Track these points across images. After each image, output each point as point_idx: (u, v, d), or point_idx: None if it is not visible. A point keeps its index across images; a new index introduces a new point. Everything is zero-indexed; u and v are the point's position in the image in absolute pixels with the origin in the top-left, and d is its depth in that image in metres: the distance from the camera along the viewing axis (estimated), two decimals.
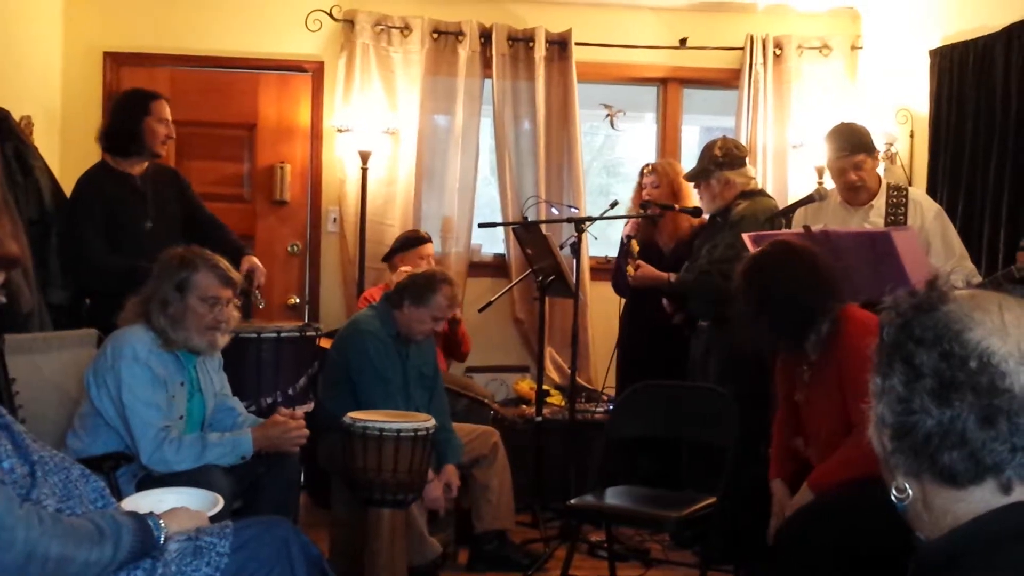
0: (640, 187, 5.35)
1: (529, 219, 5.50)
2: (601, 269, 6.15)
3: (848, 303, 3.36)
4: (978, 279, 4.21)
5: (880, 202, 4.37)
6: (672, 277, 4.78)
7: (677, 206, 5.08)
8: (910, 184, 5.47)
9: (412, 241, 5.52)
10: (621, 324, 5.44)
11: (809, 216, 4.51)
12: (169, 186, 4.67)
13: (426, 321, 4.30)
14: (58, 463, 2.39)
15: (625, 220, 5.35)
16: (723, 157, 4.77)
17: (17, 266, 2.45)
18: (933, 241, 4.26)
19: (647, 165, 5.38)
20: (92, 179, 4.55)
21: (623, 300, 5.39)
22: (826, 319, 3.30)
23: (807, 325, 3.32)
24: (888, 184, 4.45)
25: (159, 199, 4.59)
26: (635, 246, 5.11)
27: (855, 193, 4.39)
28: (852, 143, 4.35)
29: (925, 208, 4.33)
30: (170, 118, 4.59)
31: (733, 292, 3.54)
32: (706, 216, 4.97)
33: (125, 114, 4.55)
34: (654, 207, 5.10)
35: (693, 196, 5.24)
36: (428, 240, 5.56)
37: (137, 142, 4.50)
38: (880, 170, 4.71)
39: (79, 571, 2.13)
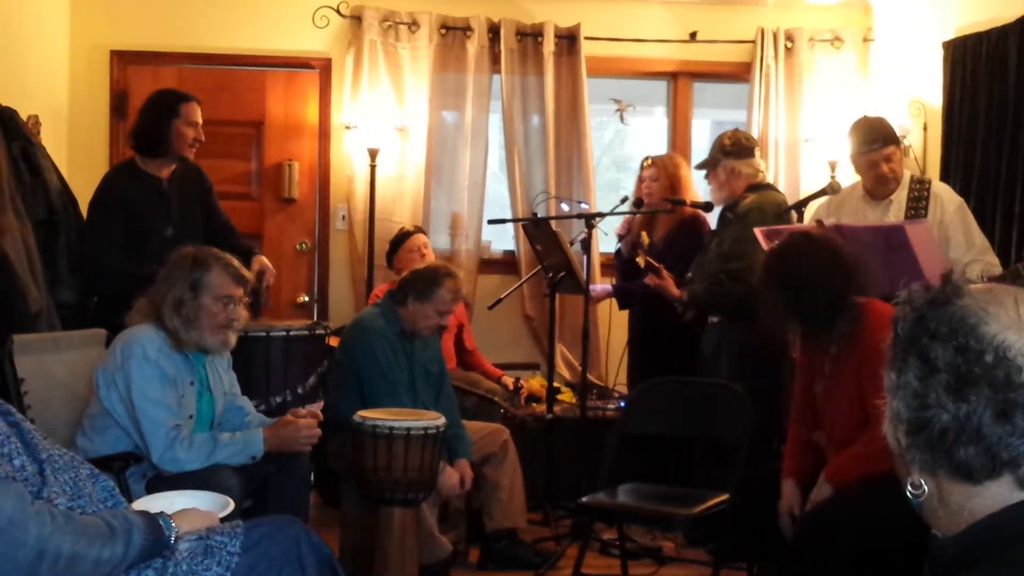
0: (640, 181, 5.34)
1: (539, 215, 5.48)
2: (612, 265, 6.12)
3: (871, 296, 3.35)
4: (999, 271, 4.17)
5: (901, 196, 4.34)
6: (683, 295, 4.76)
7: (688, 200, 5.08)
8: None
9: (400, 239, 5.54)
10: (631, 320, 5.43)
11: (832, 209, 4.50)
12: (194, 190, 4.63)
13: (431, 316, 4.29)
14: (67, 462, 2.40)
15: (620, 218, 5.36)
16: (731, 146, 4.79)
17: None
18: (953, 234, 4.23)
19: (647, 159, 5.37)
20: (117, 179, 4.52)
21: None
22: (847, 311, 3.28)
23: (828, 315, 3.31)
24: (912, 177, 4.42)
25: (183, 205, 4.55)
26: (645, 237, 5.11)
27: (885, 185, 4.36)
28: (883, 135, 4.34)
29: (946, 201, 4.30)
30: (200, 121, 4.52)
31: (755, 283, 3.53)
32: (717, 208, 4.96)
33: (154, 115, 4.49)
34: (665, 203, 5.10)
35: (692, 190, 5.25)
36: (414, 232, 5.55)
37: (164, 144, 4.45)
38: None
39: (90, 569, 2.13)
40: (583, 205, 5.94)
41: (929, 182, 4.42)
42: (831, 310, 3.31)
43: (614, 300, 5.66)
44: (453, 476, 4.18)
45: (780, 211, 4.62)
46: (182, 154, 4.51)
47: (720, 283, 4.61)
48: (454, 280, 4.32)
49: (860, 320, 3.28)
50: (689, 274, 4.84)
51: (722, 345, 4.70)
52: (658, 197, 5.19)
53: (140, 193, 4.45)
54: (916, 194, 4.32)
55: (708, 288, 4.67)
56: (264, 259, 4.60)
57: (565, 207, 5.99)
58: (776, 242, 3.53)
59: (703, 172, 4.99)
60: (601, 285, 5.64)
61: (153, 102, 4.58)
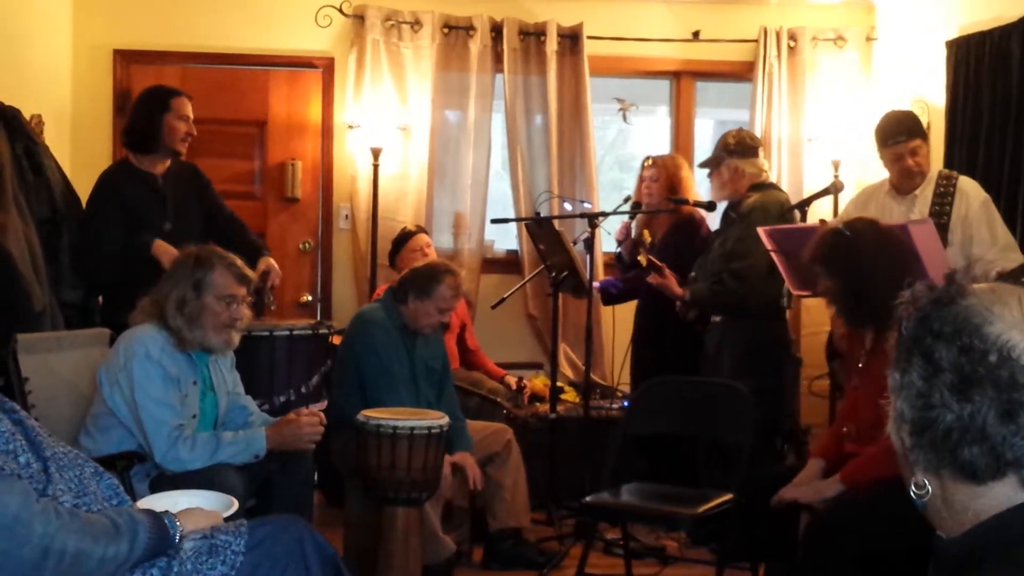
0: (641, 180, 5.34)
1: (541, 214, 5.48)
2: (613, 266, 6.12)
3: None
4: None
5: (927, 191, 4.33)
6: (686, 294, 4.76)
7: (691, 200, 5.08)
8: None
9: (402, 239, 5.53)
10: (636, 319, 5.43)
11: (859, 205, 4.50)
12: (190, 185, 4.65)
13: (432, 313, 4.28)
14: (72, 459, 2.40)
15: (621, 219, 5.36)
16: (735, 145, 4.79)
17: None
18: (977, 230, 4.22)
19: (647, 159, 5.37)
20: (112, 177, 4.54)
21: (638, 298, 5.39)
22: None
23: (881, 311, 3.31)
24: (940, 172, 4.41)
25: (180, 200, 4.57)
26: (647, 236, 5.11)
27: (910, 179, 4.35)
28: (908, 128, 4.34)
29: (971, 197, 4.28)
30: (191, 115, 4.55)
31: (808, 262, 3.54)
32: (721, 207, 4.96)
33: (145, 110, 4.53)
34: (668, 203, 5.11)
35: (692, 190, 5.25)
36: (416, 232, 5.55)
37: (156, 139, 4.47)
38: None
39: (95, 567, 2.13)
40: (586, 204, 5.94)
41: (956, 177, 4.39)
42: (879, 306, 3.30)
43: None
44: (468, 458, 4.23)
45: (783, 210, 4.63)
46: (175, 148, 4.52)
47: (723, 282, 4.61)
48: (454, 277, 4.31)
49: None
50: (692, 273, 4.84)
51: (724, 344, 4.69)
52: (658, 197, 5.20)
53: (136, 189, 4.47)
54: (942, 189, 4.30)
55: (711, 287, 4.66)
56: (271, 260, 4.60)
57: (568, 206, 5.98)
58: (840, 226, 3.52)
59: (706, 171, 4.99)
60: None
61: (144, 98, 4.62)
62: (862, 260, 3.36)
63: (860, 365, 3.44)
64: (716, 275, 4.65)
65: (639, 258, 4.96)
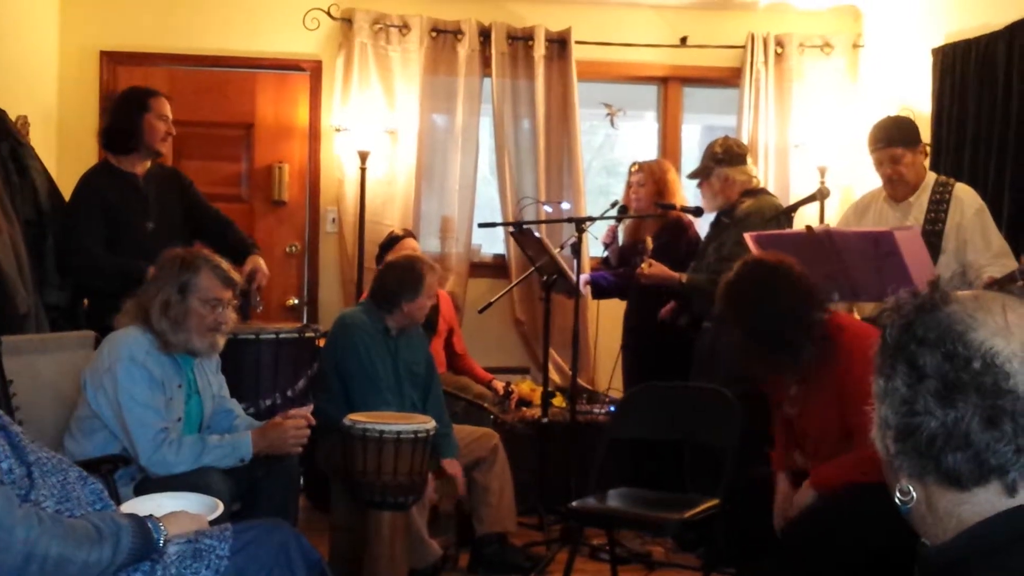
0: (629, 186, 5.35)
1: (524, 220, 5.47)
2: (602, 269, 6.13)
3: (834, 311, 3.34)
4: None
5: (923, 198, 4.31)
6: (684, 278, 4.76)
7: (679, 205, 5.08)
8: None
9: (390, 243, 5.51)
10: (625, 324, 5.43)
11: (858, 211, 4.50)
12: (171, 186, 4.64)
13: (425, 305, 4.42)
14: (55, 464, 2.39)
15: (609, 223, 5.36)
16: (723, 154, 4.78)
17: None
18: (971, 237, 4.21)
19: (634, 164, 5.38)
20: (93, 178, 4.52)
21: (627, 301, 5.39)
22: (813, 333, 3.25)
23: (794, 345, 3.27)
24: (936, 179, 4.39)
25: (161, 199, 4.56)
26: (649, 243, 5.11)
27: (894, 187, 4.36)
28: (888, 136, 4.30)
29: (966, 204, 4.26)
30: (170, 115, 4.55)
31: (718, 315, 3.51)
32: (711, 215, 4.96)
33: (124, 111, 4.51)
34: (655, 208, 5.11)
35: (680, 195, 5.26)
36: (404, 236, 5.54)
37: (136, 139, 4.46)
38: None
39: (78, 572, 2.13)
40: (564, 205, 5.94)
41: (953, 184, 4.35)
42: (791, 344, 3.25)
43: (610, 305, 5.65)
44: (455, 466, 4.26)
45: (777, 214, 4.63)
46: (155, 148, 4.51)
47: (723, 272, 4.60)
48: (429, 264, 4.42)
49: (833, 337, 3.24)
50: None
51: (716, 349, 4.68)
52: (647, 202, 5.21)
53: (118, 189, 4.45)
54: (938, 196, 4.28)
55: (711, 277, 4.65)
56: (259, 259, 4.58)
57: (548, 209, 5.99)
58: (730, 274, 3.49)
59: (695, 180, 4.98)
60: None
61: (122, 99, 4.62)
62: (756, 302, 3.30)
63: (793, 392, 3.40)
64: (715, 269, 4.65)
65: (643, 265, 4.95)
